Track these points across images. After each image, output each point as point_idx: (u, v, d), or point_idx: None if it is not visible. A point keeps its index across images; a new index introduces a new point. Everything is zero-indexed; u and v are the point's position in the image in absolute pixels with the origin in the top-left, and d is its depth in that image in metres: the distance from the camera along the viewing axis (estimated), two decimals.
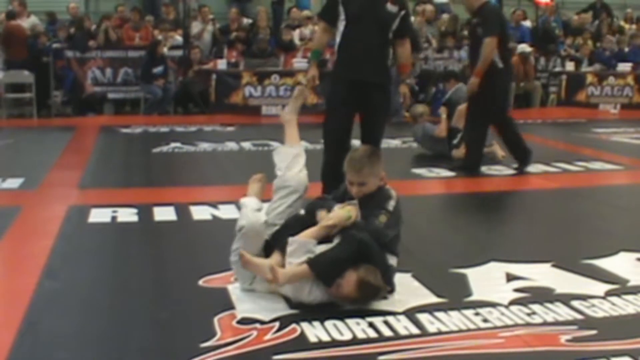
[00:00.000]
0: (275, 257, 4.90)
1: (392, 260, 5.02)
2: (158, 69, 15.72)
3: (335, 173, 6.51)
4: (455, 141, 10.53)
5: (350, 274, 4.58)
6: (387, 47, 7.22)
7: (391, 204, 5.03)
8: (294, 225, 4.99)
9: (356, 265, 4.61)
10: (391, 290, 4.95)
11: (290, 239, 4.81)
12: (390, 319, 4.54)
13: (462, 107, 10.52)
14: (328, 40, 7.66)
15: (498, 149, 10.67)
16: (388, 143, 11.52)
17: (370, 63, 7.10)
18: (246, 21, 18.55)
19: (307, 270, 4.64)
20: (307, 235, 4.82)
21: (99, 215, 6.99)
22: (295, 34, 18.03)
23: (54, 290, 5.08)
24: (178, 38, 17.29)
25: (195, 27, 17.60)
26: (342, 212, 4.86)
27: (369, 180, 5.07)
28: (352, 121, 7.26)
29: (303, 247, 4.75)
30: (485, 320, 4.57)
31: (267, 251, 4.99)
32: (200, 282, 5.17)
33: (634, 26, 21.98)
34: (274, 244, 4.99)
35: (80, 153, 11.04)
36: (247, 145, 11.72)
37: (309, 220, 5.01)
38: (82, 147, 11.73)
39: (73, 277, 5.38)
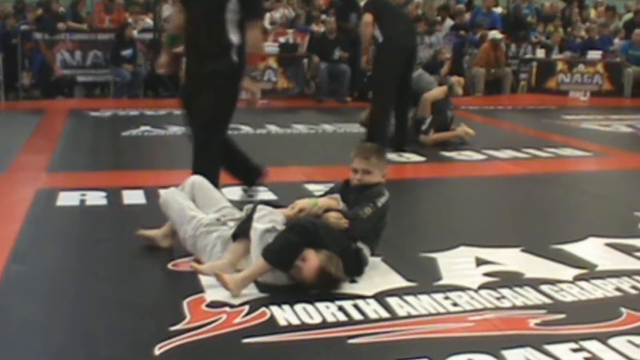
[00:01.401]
0: (239, 245, 4.93)
1: (366, 250, 5.07)
2: (127, 52, 15.63)
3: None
4: (424, 127, 10.53)
5: (313, 259, 4.61)
6: (223, 32, 6.11)
7: (381, 201, 5.08)
8: None
9: (317, 249, 4.65)
10: (359, 273, 4.99)
11: (260, 206, 4.93)
12: (360, 302, 4.55)
13: (427, 95, 10.56)
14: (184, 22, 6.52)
15: (466, 129, 10.69)
16: (359, 128, 11.55)
17: (201, 51, 6.23)
18: None
19: (262, 265, 4.65)
20: (278, 212, 4.93)
21: (67, 199, 6.94)
22: (266, 18, 17.97)
23: (22, 274, 5.05)
24: (149, 21, 17.18)
25: (166, 10, 17.48)
26: (309, 200, 5.00)
27: (374, 170, 5.16)
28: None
29: (270, 215, 4.83)
30: (454, 304, 4.59)
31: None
32: (170, 266, 5.17)
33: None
34: (239, 233, 5.00)
35: (48, 136, 10.95)
36: None
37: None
38: (50, 130, 11.63)
39: (41, 261, 5.34)
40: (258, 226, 4.78)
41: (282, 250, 4.63)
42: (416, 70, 11.08)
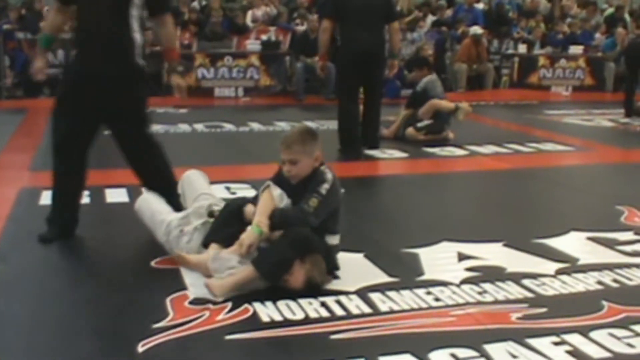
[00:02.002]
0: (213, 249, 4.93)
1: (334, 240, 5.06)
2: None
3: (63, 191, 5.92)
4: (419, 125, 10.61)
5: (298, 271, 4.60)
6: (129, 31, 5.48)
7: (324, 187, 4.91)
8: (231, 221, 5.05)
9: (302, 257, 4.63)
10: (336, 268, 4.99)
11: (213, 257, 4.80)
12: (342, 298, 4.57)
13: (436, 102, 10.67)
14: (62, 23, 6.01)
15: (465, 109, 10.76)
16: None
17: (104, 53, 5.48)
18: (197, 3, 18.46)
19: (251, 272, 4.61)
20: (229, 252, 4.82)
21: (50, 198, 6.91)
22: (248, 16, 17.97)
23: (4, 273, 5.04)
24: None
25: None
26: (253, 232, 4.76)
27: (300, 158, 4.97)
28: (86, 134, 5.79)
29: (226, 262, 4.74)
30: (437, 299, 4.61)
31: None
32: (153, 264, 5.16)
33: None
34: (212, 237, 5.02)
35: (31, 135, 10.91)
36: (199, 127, 11.67)
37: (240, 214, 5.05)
38: (33, 129, 11.57)
39: (24, 260, 5.33)
40: (216, 275, 4.73)
41: (277, 265, 4.59)
42: (431, 75, 11.20)
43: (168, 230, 5.21)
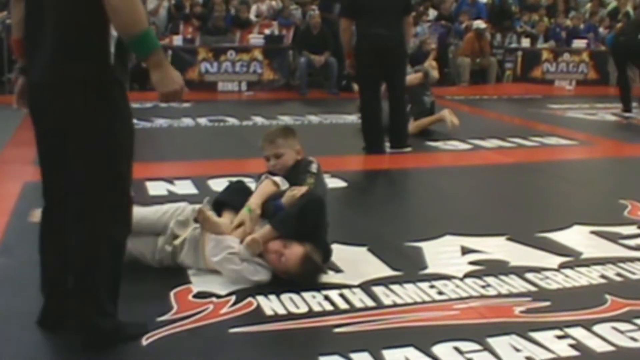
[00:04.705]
0: (227, 216, 4.93)
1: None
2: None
3: None
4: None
5: (297, 247, 4.64)
6: None
7: (314, 167, 5.19)
8: (239, 193, 5.11)
9: (302, 240, 4.69)
10: (328, 256, 5.00)
11: (211, 236, 4.78)
12: (345, 291, 4.58)
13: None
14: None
15: (447, 115, 10.63)
16: (344, 119, 11.57)
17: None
18: None
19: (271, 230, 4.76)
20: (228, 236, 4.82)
21: None
22: (252, 10, 17.96)
23: (9, 267, 5.05)
24: None
25: (151, 2, 17.45)
26: (243, 211, 4.88)
27: (284, 151, 5.22)
28: None
29: (221, 243, 4.72)
30: (440, 293, 4.61)
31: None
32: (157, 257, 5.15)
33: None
34: (223, 204, 5.03)
35: None
36: (203, 121, 11.67)
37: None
38: None
39: (28, 254, 5.30)
40: (214, 259, 4.72)
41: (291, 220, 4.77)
42: None
43: (161, 251, 5.00)
